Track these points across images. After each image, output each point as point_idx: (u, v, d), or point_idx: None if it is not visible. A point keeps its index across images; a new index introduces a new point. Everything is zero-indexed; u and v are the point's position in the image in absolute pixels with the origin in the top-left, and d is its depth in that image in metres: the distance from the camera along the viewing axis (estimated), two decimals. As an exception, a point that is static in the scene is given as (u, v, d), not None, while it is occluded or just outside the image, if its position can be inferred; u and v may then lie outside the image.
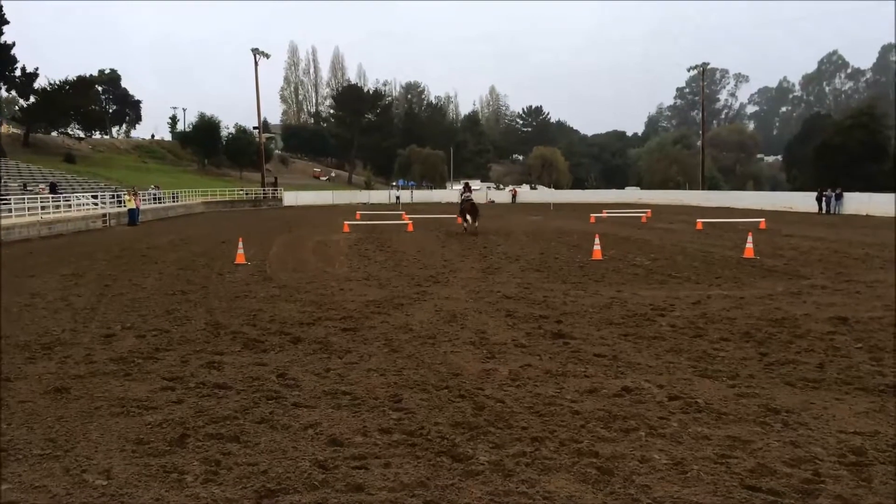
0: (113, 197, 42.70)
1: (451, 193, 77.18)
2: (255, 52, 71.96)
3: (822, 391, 6.59)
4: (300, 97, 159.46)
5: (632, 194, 79.10)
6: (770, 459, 4.93)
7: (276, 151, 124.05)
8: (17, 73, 68.76)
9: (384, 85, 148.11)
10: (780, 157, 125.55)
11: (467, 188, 30.80)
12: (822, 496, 4.36)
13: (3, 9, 65.79)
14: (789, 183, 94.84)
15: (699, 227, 29.96)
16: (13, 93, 77.05)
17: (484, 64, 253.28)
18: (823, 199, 46.65)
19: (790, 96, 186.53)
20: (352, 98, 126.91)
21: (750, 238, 18.91)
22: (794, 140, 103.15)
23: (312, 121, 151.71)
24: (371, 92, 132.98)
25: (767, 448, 5.15)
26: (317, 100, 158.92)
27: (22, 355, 8.15)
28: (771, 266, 16.17)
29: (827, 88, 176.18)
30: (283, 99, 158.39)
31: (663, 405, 6.19)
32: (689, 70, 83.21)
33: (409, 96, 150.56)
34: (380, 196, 77.60)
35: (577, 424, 5.70)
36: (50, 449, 5.20)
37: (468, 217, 28.14)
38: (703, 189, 74.06)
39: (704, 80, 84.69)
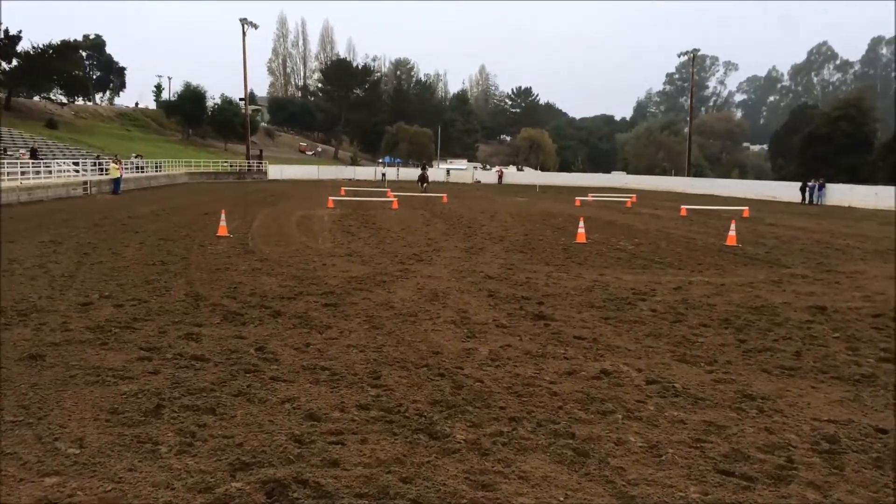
0: (95, 164, 42.16)
1: (439, 172, 77.11)
2: (244, 22, 71.08)
3: (798, 379, 6.64)
4: (288, 70, 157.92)
5: (618, 179, 79.30)
6: (744, 445, 4.96)
7: (263, 124, 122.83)
8: (0, 35, 67.43)
9: (373, 60, 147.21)
10: (766, 147, 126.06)
11: (424, 167, 55.99)
12: (794, 482, 4.39)
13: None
14: (774, 172, 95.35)
15: (683, 213, 30.09)
16: (-6, 55, 75.57)
17: (475, 42, 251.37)
18: (807, 189, 46.96)
19: (778, 86, 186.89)
20: (340, 72, 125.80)
21: (733, 226, 19.01)
22: (780, 130, 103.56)
23: (300, 94, 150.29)
24: (360, 67, 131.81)
25: (742, 434, 5.19)
26: (305, 73, 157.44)
27: (-3, 321, 8.04)
28: (753, 254, 16.27)
29: (815, 79, 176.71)
30: (271, 71, 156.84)
31: (641, 389, 6.21)
32: (679, 56, 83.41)
33: (399, 73, 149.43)
34: (366, 172, 77.23)
35: (555, 406, 5.71)
36: (23, 416, 5.13)
37: (422, 182, 49.06)
38: (688, 176, 74.29)
39: (694, 67, 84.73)
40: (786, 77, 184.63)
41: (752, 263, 14.79)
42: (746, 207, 32.17)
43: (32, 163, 36.23)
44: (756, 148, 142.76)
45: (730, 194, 53.63)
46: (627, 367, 6.83)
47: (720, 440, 5.05)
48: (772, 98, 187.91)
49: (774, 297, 10.80)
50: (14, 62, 71.92)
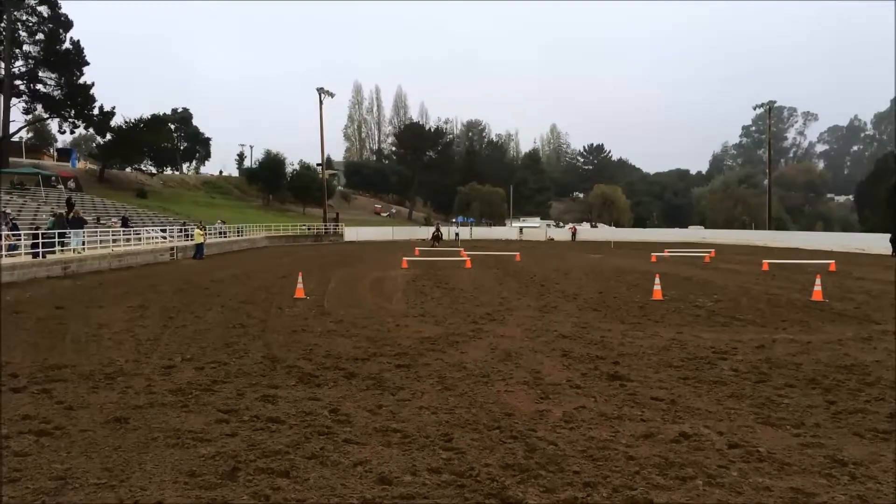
0: (181, 231, 43.99)
1: (511, 231, 77.32)
2: (321, 91, 74.01)
3: (893, 443, 6.27)
4: (363, 135, 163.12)
5: (695, 234, 77.57)
6: (836, 514, 4.69)
7: (339, 188, 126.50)
8: (95, 111, 71.82)
9: (445, 123, 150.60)
10: (851, 198, 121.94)
11: (437, 227, 61.03)
12: (892, 556, 4.12)
13: (84, 51, 69.23)
14: (861, 224, 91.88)
15: (765, 268, 29.16)
16: (91, 130, 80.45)
17: (546, 102, 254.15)
18: (897, 240, 44.88)
19: (861, 135, 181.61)
20: (413, 136, 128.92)
21: (818, 280, 18.30)
22: (865, 180, 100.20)
23: (374, 158, 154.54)
24: (433, 130, 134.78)
25: (833, 502, 4.92)
26: (379, 137, 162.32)
27: (86, 384, 8.39)
28: (840, 310, 15.60)
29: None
30: (347, 136, 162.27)
31: (723, 453, 5.98)
32: (755, 108, 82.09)
33: (470, 134, 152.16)
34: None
35: (632, 470, 5.55)
36: (106, 478, 5.30)
37: (436, 240, 55.39)
38: (769, 229, 72.24)
39: (771, 119, 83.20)
40: (869, 126, 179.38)
41: (839, 319, 14.18)
42: (832, 261, 30.98)
43: (124, 231, 38.08)
44: (841, 199, 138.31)
45: (814, 247, 51.73)
46: (708, 430, 6.59)
47: (809, 509, 4.79)
48: (855, 147, 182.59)
49: (865, 356, 10.30)
50: (108, 137, 76.27)
